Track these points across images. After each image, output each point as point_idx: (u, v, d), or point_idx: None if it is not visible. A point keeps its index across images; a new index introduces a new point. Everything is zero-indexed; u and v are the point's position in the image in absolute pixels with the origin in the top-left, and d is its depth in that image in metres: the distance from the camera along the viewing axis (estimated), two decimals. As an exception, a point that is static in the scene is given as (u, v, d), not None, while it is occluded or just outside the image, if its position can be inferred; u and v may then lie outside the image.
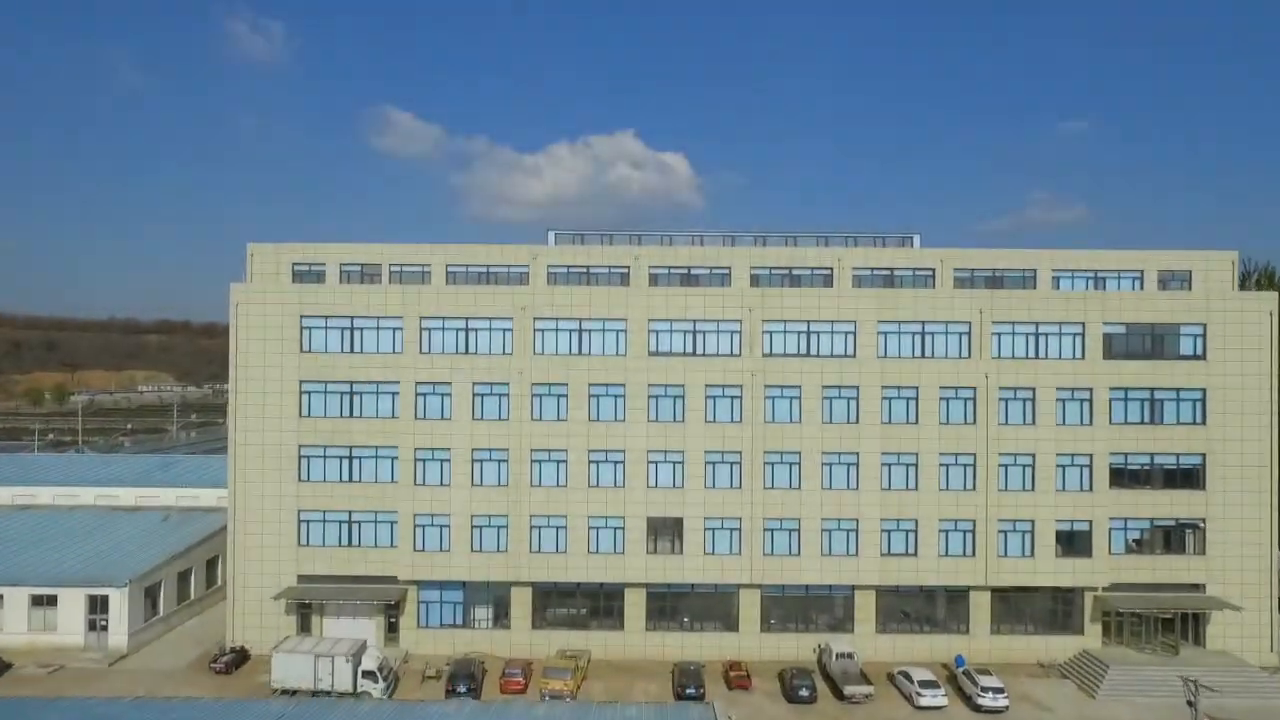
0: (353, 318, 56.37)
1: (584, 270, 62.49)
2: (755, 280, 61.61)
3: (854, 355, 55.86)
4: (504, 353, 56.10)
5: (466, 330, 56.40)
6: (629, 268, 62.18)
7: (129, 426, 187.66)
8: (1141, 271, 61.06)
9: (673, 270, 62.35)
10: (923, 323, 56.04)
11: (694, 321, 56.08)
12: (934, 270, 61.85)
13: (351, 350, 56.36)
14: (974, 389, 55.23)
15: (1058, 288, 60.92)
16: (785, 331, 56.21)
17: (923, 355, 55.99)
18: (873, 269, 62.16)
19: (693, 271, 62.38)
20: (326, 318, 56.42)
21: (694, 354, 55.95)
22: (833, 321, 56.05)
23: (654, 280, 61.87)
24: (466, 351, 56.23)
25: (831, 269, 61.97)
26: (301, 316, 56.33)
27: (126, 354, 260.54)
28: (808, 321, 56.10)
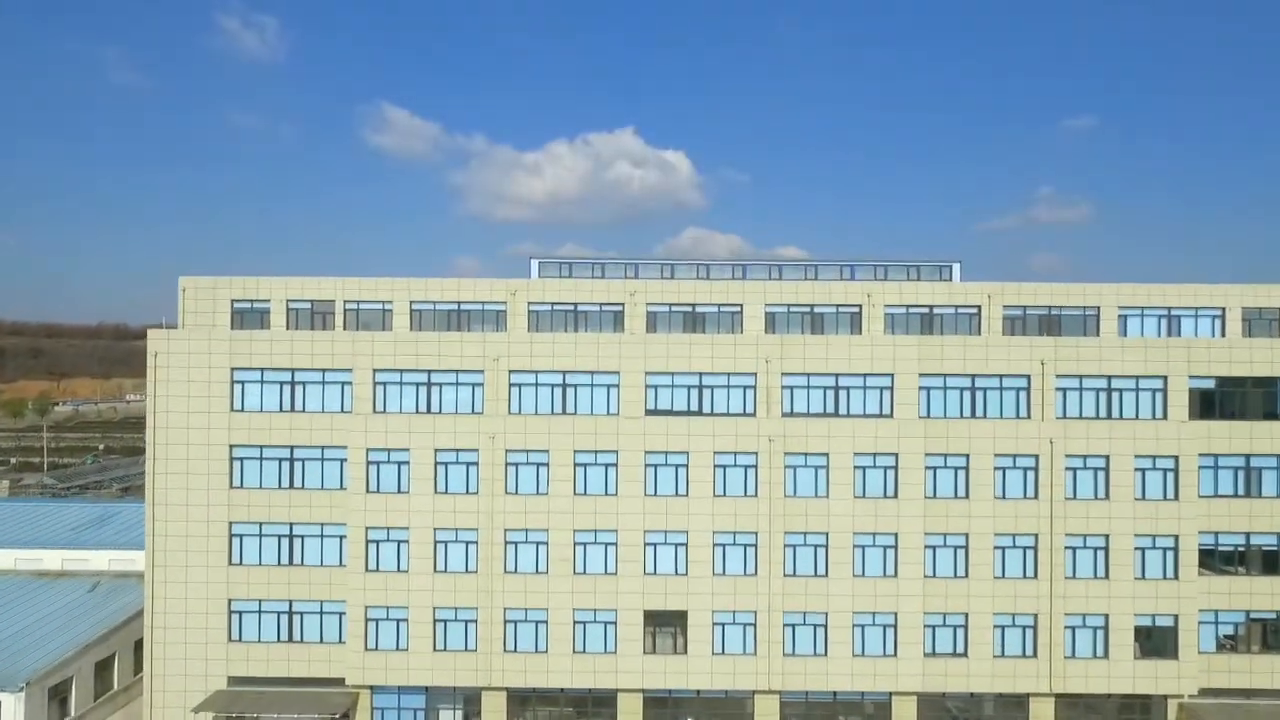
0: (294, 370, 46.60)
1: (571, 308, 52.72)
2: (771, 321, 51.84)
3: (891, 415, 46.12)
4: (473, 412, 46.38)
5: (429, 385, 46.66)
6: (623, 305, 52.43)
7: (100, 447, 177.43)
8: (1223, 309, 51.22)
9: (674, 309, 52.59)
10: (972, 376, 46.24)
11: (700, 375, 46.31)
12: (979, 308, 52.03)
13: (292, 409, 46.62)
14: (1035, 457, 45.39)
15: (1125, 330, 51.13)
16: (809, 386, 46.43)
17: (973, 415, 46.21)
18: (908, 307, 52.34)
19: (698, 309, 52.63)
20: (263, 370, 46.67)
21: (700, 413, 46.22)
22: (865, 374, 46.25)
23: (653, 321, 52.14)
24: (429, 411, 46.51)
25: (860, 306, 52.17)
26: (233, 369, 46.57)
27: (116, 361, 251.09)
28: (836, 375, 46.31)
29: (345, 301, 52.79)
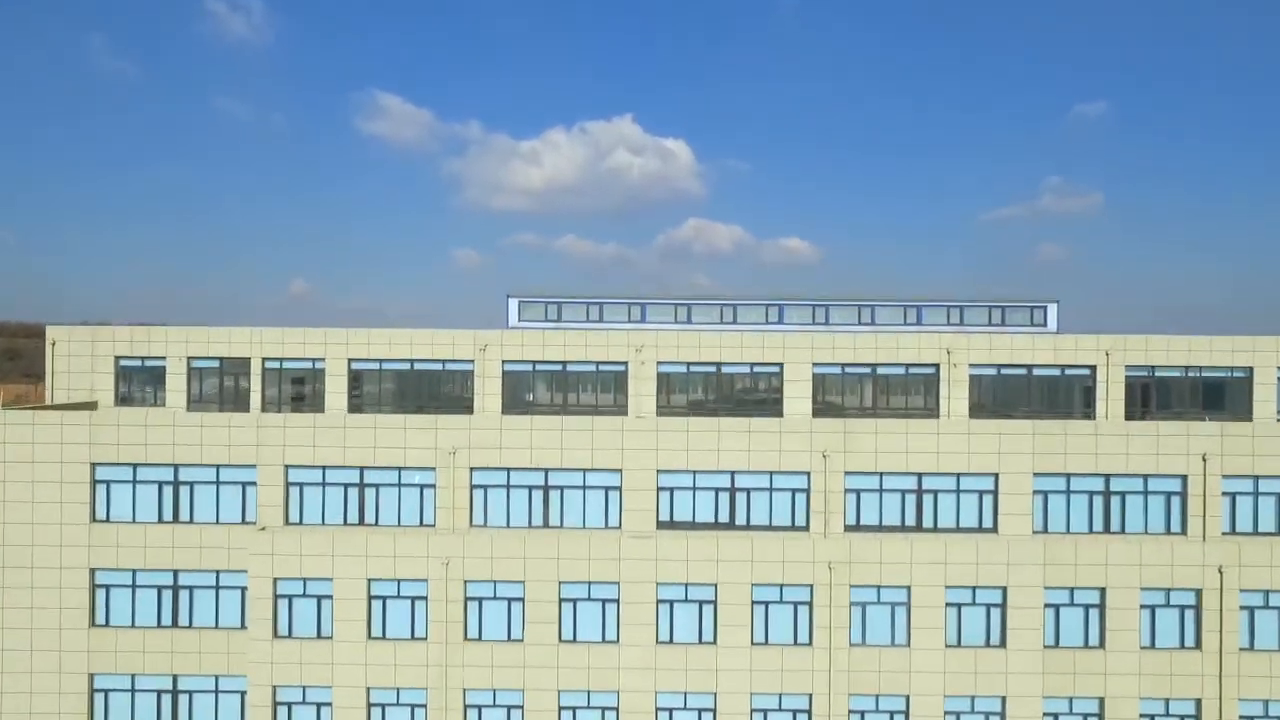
0: (177, 466, 33.57)
1: (559, 368, 39.66)
2: (821, 386, 38.79)
3: (995, 529, 33.13)
4: (422, 525, 33.42)
5: (362, 487, 33.65)
6: (627, 365, 39.35)
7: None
8: None
9: (694, 369, 39.52)
10: (1106, 476, 33.20)
11: (733, 474, 33.29)
12: (1094, 368, 38.94)
13: (175, 519, 33.65)
14: (1196, 591, 32.31)
15: (1289, 397, 38.08)
16: (881, 490, 33.39)
17: (1107, 530, 33.20)
18: (999, 367, 39.25)
19: (724, 369, 39.57)
20: (135, 465, 33.62)
21: (733, 527, 33.25)
22: (959, 474, 33.21)
23: (666, 384, 39.12)
24: (361, 522, 33.55)
25: (936, 366, 39.09)
26: (94, 464, 33.56)
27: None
28: (919, 474, 33.27)
29: (265, 359, 39.75)
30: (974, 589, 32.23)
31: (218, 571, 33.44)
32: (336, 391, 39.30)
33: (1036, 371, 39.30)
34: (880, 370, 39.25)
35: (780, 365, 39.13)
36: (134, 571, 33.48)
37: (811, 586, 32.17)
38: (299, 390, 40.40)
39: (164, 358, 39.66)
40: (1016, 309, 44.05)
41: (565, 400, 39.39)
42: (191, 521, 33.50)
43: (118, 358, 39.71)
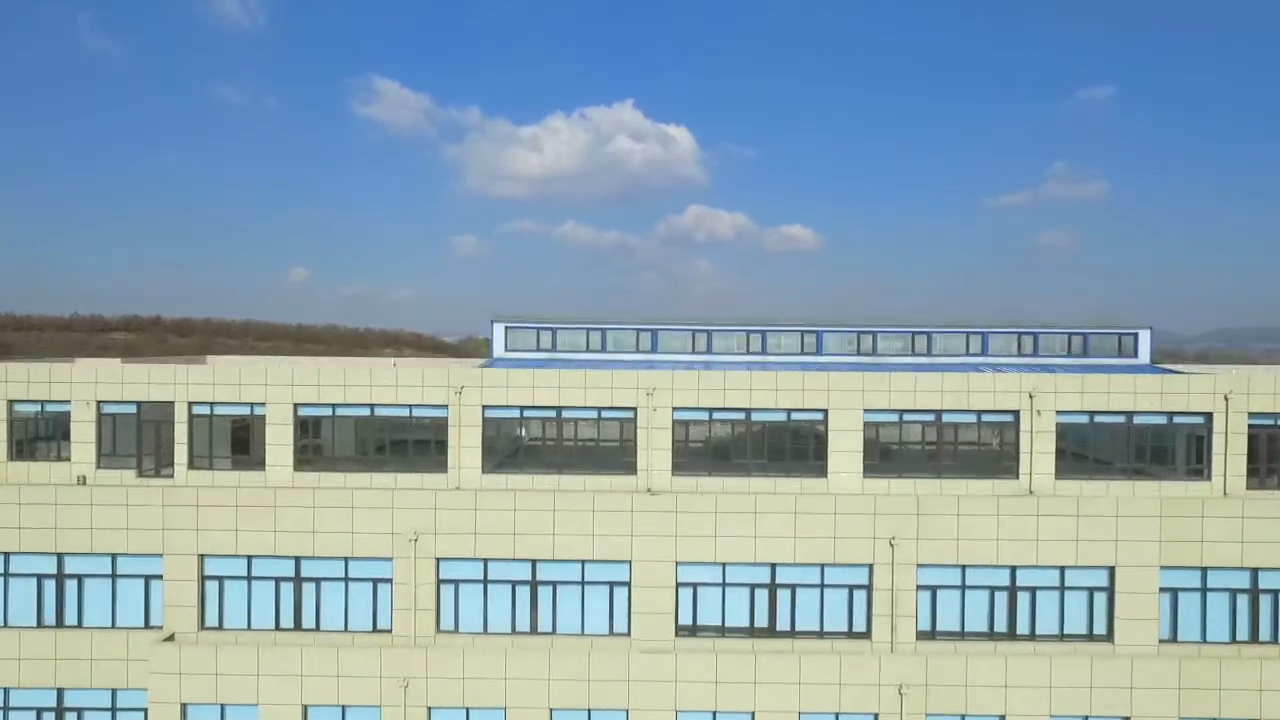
0: (61, 555, 25.94)
1: (552, 414, 31.93)
2: (876, 439, 31.11)
3: (1109, 636, 25.53)
4: (374, 630, 25.85)
5: (298, 582, 26.04)
6: (635, 411, 31.64)
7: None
8: None
9: (718, 415, 31.78)
10: (1254, 570, 25.60)
11: (773, 566, 25.69)
12: (1209, 417, 31.22)
13: (59, 623, 26.04)
14: (1373, 720, 24.77)
15: None
16: (964, 586, 25.79)
17: (1255, 639, 25.64)
18: (1092, 414, 31.53)
19: (754, 416, 31.84)
20: (6, 555, 26.03)
21: (773, 633, 25.66)
22: (1064, 566, 25.60)
23: (684, 433, 31.46)
24: (297, 626, 25.97)
25: (1016, 414, 31.39)
26: (-46, 552, 25.93)
27: (89, 355, 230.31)
28: (1012, 567, 25.65)
29: (192, 405, 32.03)
30: (1087, 718, 24.67)
31: (114, 690, 25.90)
32: (279, 444, 31.58)
33: (1139, 420, 31.61)
34: (949, 418, 31.54)
35: (824, 412, 31.40)
36: (5, 690, 25.93)
37: (877, 716, 24.61)
38: (237, 442, 32.77)
39: (68, 401, 31.95)
40: (1102, 336, 36.35)
41: (560, 453, 31.73)
42: (80, 626, 25.91)
43: (11, 402, 32.00)
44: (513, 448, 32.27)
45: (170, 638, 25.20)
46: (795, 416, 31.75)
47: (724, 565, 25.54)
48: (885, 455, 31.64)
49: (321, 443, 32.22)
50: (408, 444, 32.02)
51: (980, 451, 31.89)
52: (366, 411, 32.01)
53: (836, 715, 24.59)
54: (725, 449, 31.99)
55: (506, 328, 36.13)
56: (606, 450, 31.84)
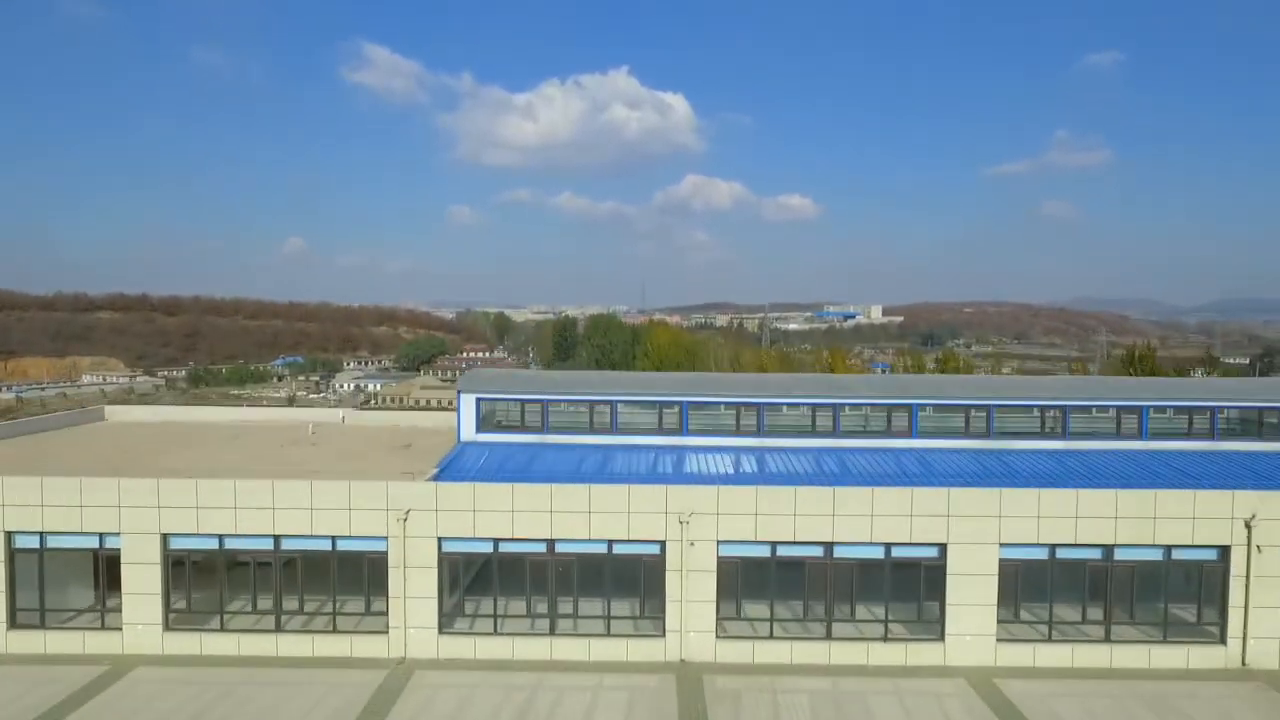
0: None
1: (541, 547, 21.35)
2: (1015, 582, 20.65)
3: None
4: None
5: None
6: (663, 546, 21.09)
7: None
8: None
9: (785, 550, 21.25)
10: None
11: None
12: None
13: None
14: None
15: None
16: None
17: None
18: (1334, 545, 21.00)
19: (838, 552, 21.29)
20: None
21: None
22: None
23: (735, 575, 20.99)
24: None
25: (1224, 551, 20.89)
26: None
27: (72, 336, 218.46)
28: None
29: (12, 535, 21.44)
30: None
31: None
32: (141, 593, 21.10)
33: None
34: (1121, 554, 21.06)
35: (941, 547, 20.92)
36: None
37: None
38: (83, 588, 22.30)
39: None
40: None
41: (554, 606, 21.24)
42: None
43: None
44: (480, 603, 21.73)
45: None
46: (899, 552, 21.23)
47: None
48: (1029, 603, 21.23)
49: (205, 594, 21.74)
50: (331, 591, 21.54)
51: (1169, 606, 21.51)
52: (269, 544, 21.43)
53: None
54: (794, 598, 21.58)
55: (479, 399, 25.51)
56: (622, 597, 21.46)
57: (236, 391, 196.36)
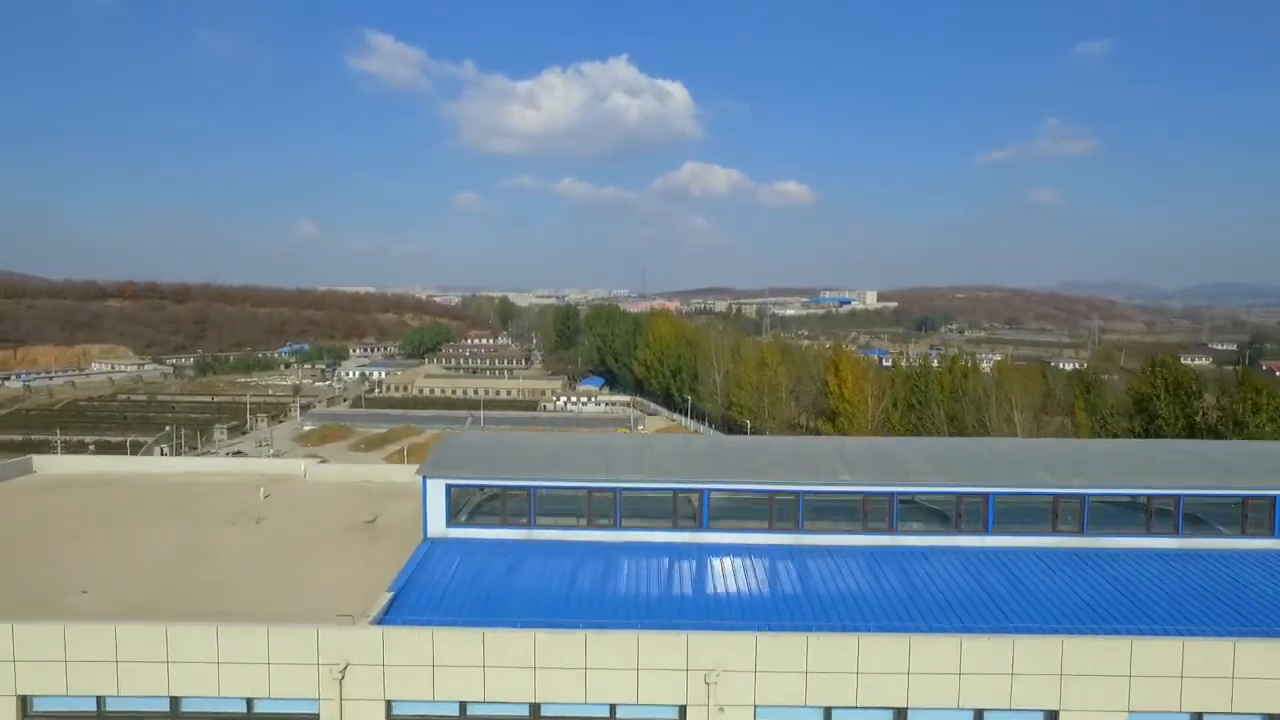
0: None
1: (523, 710, 15.50)
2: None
3: None
4: None
5: None
6: (683, 712, 15.26)
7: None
8: None
9: (841, 716, 15.40)
10: None
11: None
12: None
13: None
14: None
15: None
16: None
17: None
18: None
19: (913, 719, 15.45)
20: None
21: None
22: None
23: (776, 761, 15.11)
24: None
25: None
26: None
27: (82, 324, 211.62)
28: None
29: None
30: None
31: None
32: (-4, 773, 15.38)
33: None
34: (1287, 724, 15.29)
35: (1051, 715, 15.18)
36: None
37: None
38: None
39: None
40: None
41: (538, 784, 15.51)
42: None
43: None
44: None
45: None
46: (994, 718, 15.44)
47: None
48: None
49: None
50: (248, 765, 15.74)
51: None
52: (163, 707, 15.63)
53: None
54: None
55: (449, 486, 19.67)
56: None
57: (244, 379, 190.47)
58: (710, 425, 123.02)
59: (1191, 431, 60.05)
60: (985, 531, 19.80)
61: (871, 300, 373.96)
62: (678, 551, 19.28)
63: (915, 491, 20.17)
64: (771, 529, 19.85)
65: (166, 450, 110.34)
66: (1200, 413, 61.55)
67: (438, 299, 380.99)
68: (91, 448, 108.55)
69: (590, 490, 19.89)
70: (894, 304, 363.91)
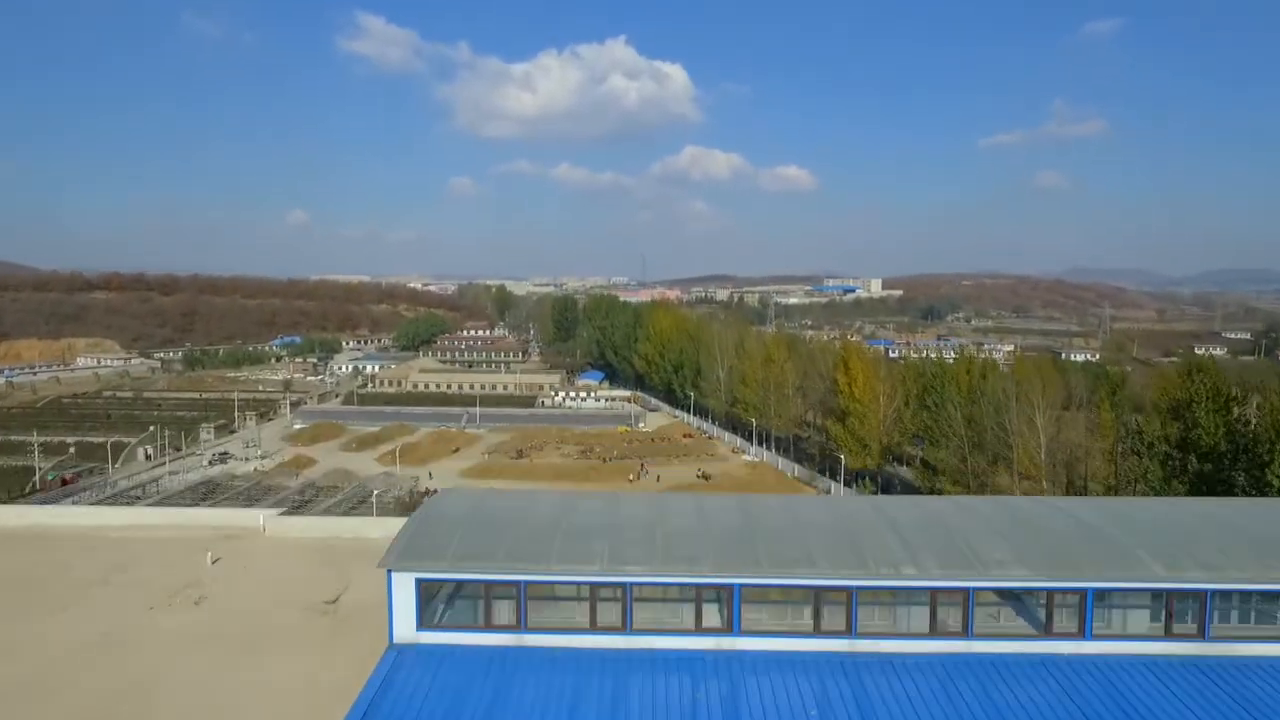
0: None
1: None
2: None
3: None
4: None
5: None
6: None
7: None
8: None
9: None
10: None
11: None
12: None
13: None
14: None
15: None
16: None
17: None
18: None
19: None
20: None
21: None
22: None
23: None
24: None
25: None
26: None
27: (67, 317, 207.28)
28: None
29: None
30: None
31: None
32: None
33: None
34: None
35: None
36: None
37: None
38: None
39: None
40: None
41: None
42: None
43: None
44: None
45: None
46: None
47: None
48: None
49: None
50: None
51: None
52: None
53: None
54: None
55: (419, 581, 16.00)
56: None
57: (233, 374, 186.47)
58: (714, 422, 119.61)
59: (1232, 441, 56.32)
60: (1082, 636, 16.12)
61: (876, 288, 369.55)
62: (703, 665, 15.60)
63: (996, 586, 16.48)
64: (818, 632, 16.17)
65: (151, 452, 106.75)
66: (1241, 420, 57.81)
67: (433, 288, 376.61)
68: (72, 449, 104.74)
69: (593, 585, 16.19)
70: (899, 292, 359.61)
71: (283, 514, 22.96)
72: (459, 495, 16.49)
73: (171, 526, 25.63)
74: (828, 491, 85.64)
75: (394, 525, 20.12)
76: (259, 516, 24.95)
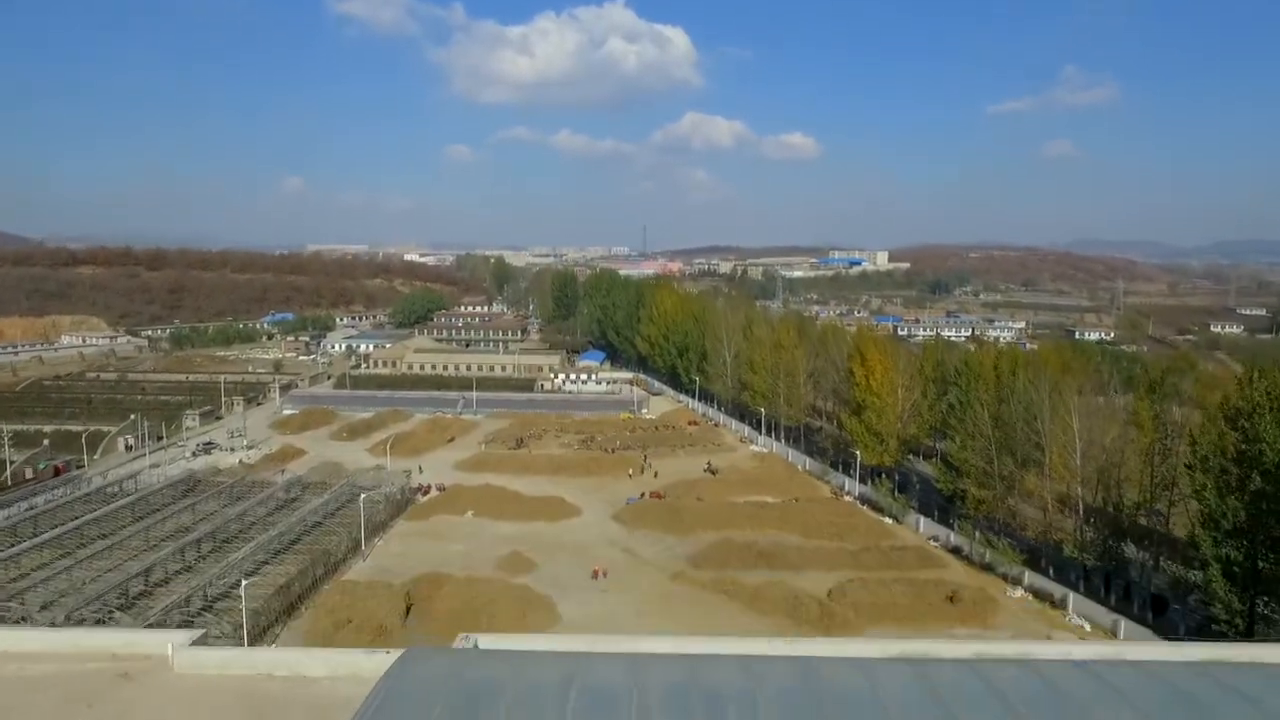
0: None
1: None
2: None
3: None
4: None
5: None
6: None
7: None
8: None
9: None
10: None
11: None
12: None
13: None
14: None
15: None
16: None
17: None
18: None
19: None
20: None
21: None
22: None
23: None
24: None
25: None
26: None
27: (51, 294, 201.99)
28: None
29: None
30: None
31: None
32: None
33: None
34: None
35: None
36: None
37: None
38: None
39: None
40: None
41: None
42: None
43: None
44: None
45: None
46: None
47: None
48: None
49: None
50: None
51: None
52: None
53: None
54: None
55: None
56: None
57: (222, 353, 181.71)
58: (720, 408, 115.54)
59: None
60: None
61: (882, 260, 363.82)
62: None
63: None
64: None
65: (131, 442, 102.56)
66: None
67: (430, 259, 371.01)
68: (46, 441, 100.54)
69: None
70: (905, 265, 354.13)
71: (195, 643, 17.11)
72: (432, 664, 11.81)
73: (49, 656, 17.32)
74: (841, 487, 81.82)
75: (339, 660, 14.63)
76: (167, 644, 18.01)
